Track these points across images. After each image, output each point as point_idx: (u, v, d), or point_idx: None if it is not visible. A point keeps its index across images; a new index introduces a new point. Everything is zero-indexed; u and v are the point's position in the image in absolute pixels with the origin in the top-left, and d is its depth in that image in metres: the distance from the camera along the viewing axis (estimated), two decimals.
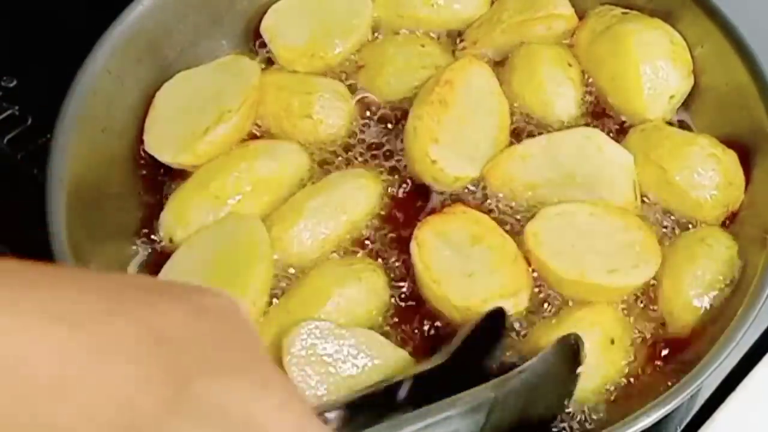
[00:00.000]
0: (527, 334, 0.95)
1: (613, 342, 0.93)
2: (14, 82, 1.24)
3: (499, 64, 1.11)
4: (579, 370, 0.86)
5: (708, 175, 1.00)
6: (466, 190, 1.04)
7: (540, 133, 1.06)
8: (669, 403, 0.86)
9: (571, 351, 0.87)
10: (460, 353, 0.84)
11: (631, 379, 0.94)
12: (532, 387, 0.82)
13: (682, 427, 1.02)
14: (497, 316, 0.89)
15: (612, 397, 0.93)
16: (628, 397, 0.93)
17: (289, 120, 1.07)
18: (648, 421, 0.85)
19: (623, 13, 1.11)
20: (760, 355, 1.03)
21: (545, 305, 0.97)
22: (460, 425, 0.74)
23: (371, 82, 1.11)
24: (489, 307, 0.92)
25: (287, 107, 1.08)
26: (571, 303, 0.97)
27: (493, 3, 1.16)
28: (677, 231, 1.01)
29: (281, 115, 1.08)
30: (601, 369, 0.93)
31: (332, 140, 1.08)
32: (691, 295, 0.95)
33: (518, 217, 1.02)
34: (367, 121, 1.10)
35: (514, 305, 0.95)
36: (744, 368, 1.02)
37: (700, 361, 0.88)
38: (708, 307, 0.96)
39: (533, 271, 0.98)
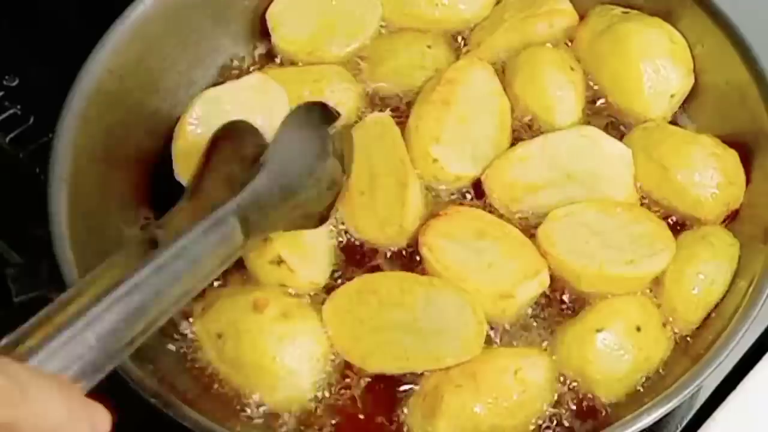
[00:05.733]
0: (552, 330, 0.96)
1: (639, 329, 0.94)
2: (16, 82, 1.24)
3: (502, 67, 1.11)
4: (331, 129, 0.86)
5: (709, 173, 1.01)
6: (466, 192, 1.04)
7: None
8: (669, 402, 0.87)
9: (312, 113, 0.87)
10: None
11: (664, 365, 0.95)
12: (283, 171, 0.82)
13: (683, 426, 1.03)
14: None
15: (645, 383, 0.94)
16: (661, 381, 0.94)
17: None
18: (648, 419, 0.86)
19: (623, 12, 1.11)
20: (760, 355, 1.04)
21: (565, 302, 0.98)
22: (206, 247, 0.75)
23: (370, 75, 1.11)
24: (519, 291, 0.95)
25: (299, 99, 1.07)
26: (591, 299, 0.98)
27: (497, 4, 1.16)
28: (678, 229, 1.01)
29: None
30: (630, 356, 0.93)
31: (347, 122, 1.07)
32: (694, 293, 0.96)
33: (521, 219, 1.02)
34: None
35: (540, 284, 0.96)
36: (744, 368, 1.03)
37: (700, 360, 0.89)
38: (710, 305, 0.96)
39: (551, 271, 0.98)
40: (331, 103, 1.07)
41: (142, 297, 0.69)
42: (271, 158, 0.84)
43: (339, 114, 0.94)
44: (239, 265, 1.01)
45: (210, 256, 0.76)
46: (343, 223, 1.02)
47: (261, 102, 1.06)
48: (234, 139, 0.88)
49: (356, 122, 1.08)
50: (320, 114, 0.89)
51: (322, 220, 0.89)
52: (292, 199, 0.84)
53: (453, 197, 1.04)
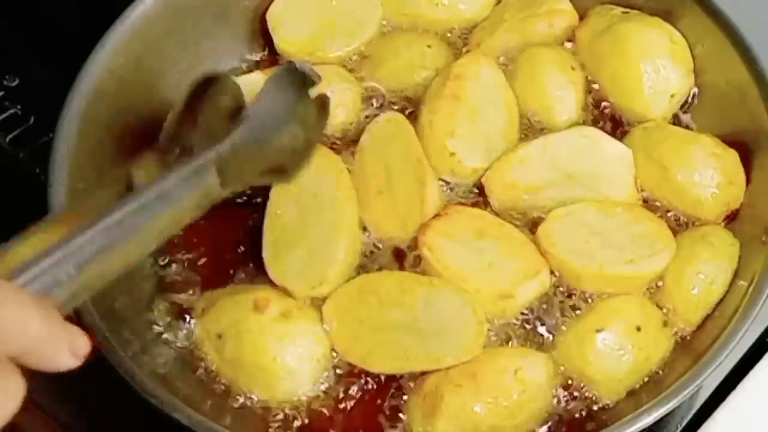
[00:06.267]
0: (552, 329, 0.96)
1: (639, 329, 0.94)
2: (16, 82, 1.24)
3: (503, 68, 1.11)
4: (311, 91, 0.92)
5: (709, 173, 1.01)
6: (470, 191, 1.05)
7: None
8: (669, 401, 0.87)
9: (295, 76, 0.91)
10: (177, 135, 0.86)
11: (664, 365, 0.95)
12: (263, 126, 0.88)
13: (683, 426, 1.03)
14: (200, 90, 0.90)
15: (645, 383, 0.94)
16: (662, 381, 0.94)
17: None
18: (649, 419, 0.86)
19: (623, 12, 1.11)
20: (760, 355, 1.04)
21: (565, 302, 0.98)
22: (185, 192, 0.79)
23: (371, 75, 1.12)
24: (520, 291, 0.95)
25: None
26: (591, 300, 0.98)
27: (497, 4, 1.16)
28: (678, 229, 1.01)
29: None
30: (630, 356, 0.93)
31: (348, 123, 1.09)
32: (694, 293, 0.96)
33: (522, 219, 1.02)
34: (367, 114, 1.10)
35: (541, 284, 0.96)
36: (744, 368, 1.03)
37: (700, 360, 0.89)
38: (710, 304, 0.96)
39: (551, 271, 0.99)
40: (331, 104, 1.07)
41: (122, 233, 0.73)
42: (252, 114, 0.89)
43: (320, 78, 0.96)
44: (240, 266, 1.01)
45: (188, 200, 0.80)
46: None
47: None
48: (213, 93, 0.90)
49: (356, 122, 1.09)
50: (302, 77, 0.94)
51: (292, 175, 0.94)
52: (268, 153, 0.89)
53: (465, 193, 1.04)
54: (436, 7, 1.14)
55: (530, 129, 1.07)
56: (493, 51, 1.11)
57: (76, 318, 0.87)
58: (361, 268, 1.00)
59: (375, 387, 0.95)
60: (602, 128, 1.06)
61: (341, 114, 1.08)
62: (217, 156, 0.82)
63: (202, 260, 1.02)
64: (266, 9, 1.14)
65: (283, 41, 1.13)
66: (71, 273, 0.68)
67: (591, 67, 1.10)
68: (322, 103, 0.95)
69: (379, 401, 0.94)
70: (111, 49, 1.04)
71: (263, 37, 1.15)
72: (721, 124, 1.06)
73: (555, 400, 0.93)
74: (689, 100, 1.09)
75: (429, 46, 1.12)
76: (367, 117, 1.09)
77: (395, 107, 1.10)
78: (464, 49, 1.13)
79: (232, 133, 0.85)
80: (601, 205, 1.00)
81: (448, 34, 1.15)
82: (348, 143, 1.08)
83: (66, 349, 0.62)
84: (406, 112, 1.08)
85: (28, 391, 0.59)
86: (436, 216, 1.00)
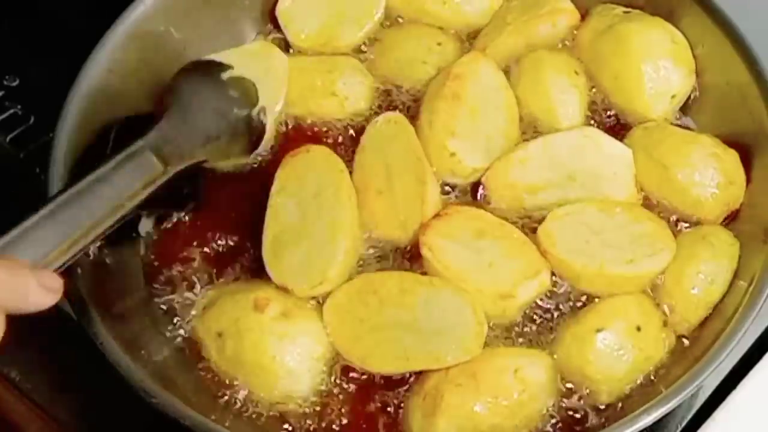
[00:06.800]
0: (552, 330, 0.96)
1: (639, 329, 0.94)
2: (16, 82, 1.24)
3: (507, 71, 1.10)
4: (224, 76, 1.06)
5: (709, 173, 1.01)
6: (470, 191, 1.05)
7: None
8: (669, 401, 0.87)
9: (202, 67, 1.06)
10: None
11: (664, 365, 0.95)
12: (185, 109, 1.00)
13: (683, 425, 1.03)
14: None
15: (646, 383, 0.94)
16: (662, 381, 0.94)
17: (314, 100, 1.09)
18: (649, 419, 0.86)
19: (625, 12, 1.11)
20: (760, 355, 1.04)
21: (566, 302, 0.98)
22: (121, 177, 0.91)
23: (378, 64, 1.12)
24: (520, 291, 0.95)
25: (311, 87, 1.09)
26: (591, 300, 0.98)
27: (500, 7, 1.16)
28: (678, 229, 1.01)
29: (306, 95, 1.09)
30: (630, 356, 0.93)
31: (357, 116, 1.09)
32: (694, 293, 0.96)
33: (521, 219, 1.02)
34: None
35: (541, 284, 0.97)
36: (744, 368, 1.03)
37: (700, 360, 0.89)
38: (710, 304, 0.96)
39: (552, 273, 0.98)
40: (341, 96, 1.09)
41: (72, 212, 0.85)
42: (175, 102, 1.00)
43: (230, 66, 1.06)
44: (240, 265, 1.02)
45: (128, 181, 0.91)
46: None
47: (259, 65, 1.08)
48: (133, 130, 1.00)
49: (366, 115, 1.09)
50: (212, 67, 1.06)
51: (249, 150, 1.06)
52: (204, 132, 1.00)
53: (465, 193, 1.04)
54: (443, 6, 1.14)
55: (532, 131, 1.07)
56: (498, 55, 1.10)
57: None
58: (361, 268, 1.00)
59: (375, 387, 0.95)
60: (602, 128, 1.06)
61: (349, 106, 1.09)
62: (146, 141, 0.94)
63: (202, 259, 1.02)
64: (268, 6, 1.15)
65: (295, 37, 1.14)
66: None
67: (592, 67, 1.10)
68: (238, 81, 1.05)
69: (378, 401, 0.94)
70: (111, 49, 1.04)
71: (264, 36, 1.15)
72: (721, 124, 1.06)
73: (555, 400, 0.93)
74: (689, 100, 1.09)
75: (439, 44, 1.13)
76: (377, 108, 1.10)
77: (401, 103, 1.10)
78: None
79: (158, 124, 0.96)
80: (601, 204, 1.00)
81: (459, 35, 1.15)
82: (348, 143, 1.08)
83: (35, 286, 0.71)
84: (412, 109, 1.09)
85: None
86: (436, 216, 1.00)
